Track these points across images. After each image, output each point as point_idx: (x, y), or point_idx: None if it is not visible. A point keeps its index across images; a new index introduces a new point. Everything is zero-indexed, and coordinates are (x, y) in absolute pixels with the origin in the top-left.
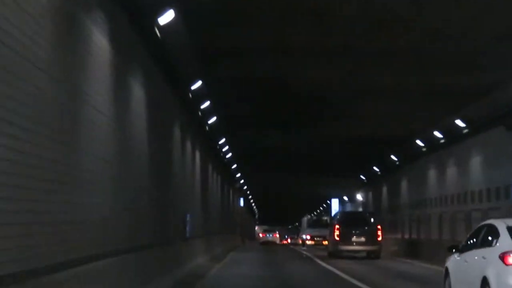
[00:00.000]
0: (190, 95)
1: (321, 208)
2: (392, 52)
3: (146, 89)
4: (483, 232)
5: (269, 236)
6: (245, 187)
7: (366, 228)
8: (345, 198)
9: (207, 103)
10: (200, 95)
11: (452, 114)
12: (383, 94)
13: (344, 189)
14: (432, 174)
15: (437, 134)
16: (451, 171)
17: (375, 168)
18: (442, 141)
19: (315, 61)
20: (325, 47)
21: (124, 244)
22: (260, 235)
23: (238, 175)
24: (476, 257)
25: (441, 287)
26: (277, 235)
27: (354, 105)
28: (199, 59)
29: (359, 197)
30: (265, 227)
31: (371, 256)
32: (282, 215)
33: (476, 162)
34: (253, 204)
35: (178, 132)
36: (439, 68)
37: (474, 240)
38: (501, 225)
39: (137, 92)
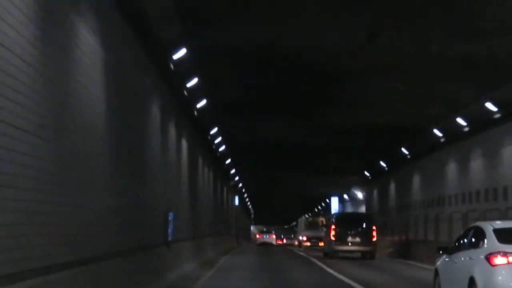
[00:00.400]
0: (172, 66)
1: (319, 207)
2: (413, 11)
3: (102, 39)
4: (470, 234)
5: (266, 237)
6: (240, 185)
7: (361, 229)
8: (346, 196)
9: (194, 81)
10: (185, 69)
11: (481, 96)
12: (399, 71)
13: (346, 187)
14: (452, 167)
15: (460, 121)
16: (477, 164)
17: (381, 163)
18: (466, 129)
19: (323, 25)
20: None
21: (60, 256)
22: (257, 236)
23: (233, 171)
24: (463, 258)
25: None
26: (274, 236)
27: (362, 85)
28: (182, 18)
29: (361, 195)
30: (261, 227)
31: (366, 256)
32: (279, 215)
33: (510, 153)
34: (248, 203)
35: (157, 111)
36: (472, 34)
37: (462, 241)
38: (487, 227)
39: (87, 40)
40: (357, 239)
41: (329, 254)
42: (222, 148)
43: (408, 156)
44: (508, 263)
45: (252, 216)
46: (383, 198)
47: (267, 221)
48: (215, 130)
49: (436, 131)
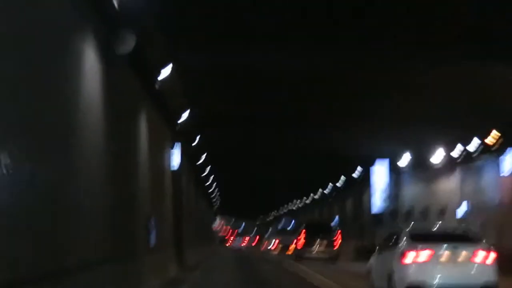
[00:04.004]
0: None
1: (337, 184)
2: None
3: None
4: (394, 237)
5: (238, 242)
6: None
7: (326, 235)
8: (403, 161)
9: None
10: None
11: None
12: None
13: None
14: None
15: None
16: None
17: None
18: None
19: None
20: None
21: None
22: (230, 239)
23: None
24: (387, 256)
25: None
26: (246, 239)
27: None
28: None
29: (435, 159)
30: (227, 216)
31: (331, 259)
32: (260, 202)
33: None
34: (211, 181)
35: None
36: None
37: (388, 242)
38: (404, 231)
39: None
40: (323, 245)
41: (298, 258)
42: None
43: None
44: (416, 258)
45: (217, 203)
46: None
47: (237, 211)
48: None
49: None
